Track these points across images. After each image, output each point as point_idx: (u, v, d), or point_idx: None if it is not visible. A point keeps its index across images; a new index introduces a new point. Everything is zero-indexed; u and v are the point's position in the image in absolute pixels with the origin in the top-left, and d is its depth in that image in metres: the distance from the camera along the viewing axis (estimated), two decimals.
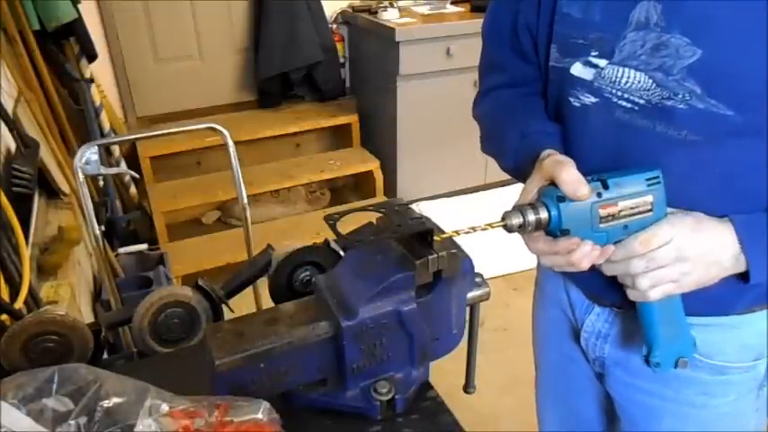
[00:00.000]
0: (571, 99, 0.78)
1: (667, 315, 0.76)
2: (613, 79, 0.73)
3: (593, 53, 0.74)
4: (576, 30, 0.75)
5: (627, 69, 0.71)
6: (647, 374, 0.88)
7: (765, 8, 0.62)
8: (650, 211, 0.70)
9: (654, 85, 0.69)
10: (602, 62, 0.73)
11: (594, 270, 0.74)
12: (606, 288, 0.84)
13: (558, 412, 1.15)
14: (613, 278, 0.78)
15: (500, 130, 0.88)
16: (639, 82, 0.70)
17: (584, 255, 0.69)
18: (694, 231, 0.70)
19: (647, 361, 0.79)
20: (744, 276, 0.72)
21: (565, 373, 1.06)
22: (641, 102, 0.71)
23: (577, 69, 0.76)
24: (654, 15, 0.67)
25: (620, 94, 0.73)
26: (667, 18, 0.67)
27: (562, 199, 0.67)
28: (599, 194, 0.68)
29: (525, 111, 0.86)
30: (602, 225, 0.69)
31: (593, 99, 0.75)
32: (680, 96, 0.68)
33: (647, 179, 0.70)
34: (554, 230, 0.69)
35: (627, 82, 0.71)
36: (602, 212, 0.68)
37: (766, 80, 0.63)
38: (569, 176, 0.67)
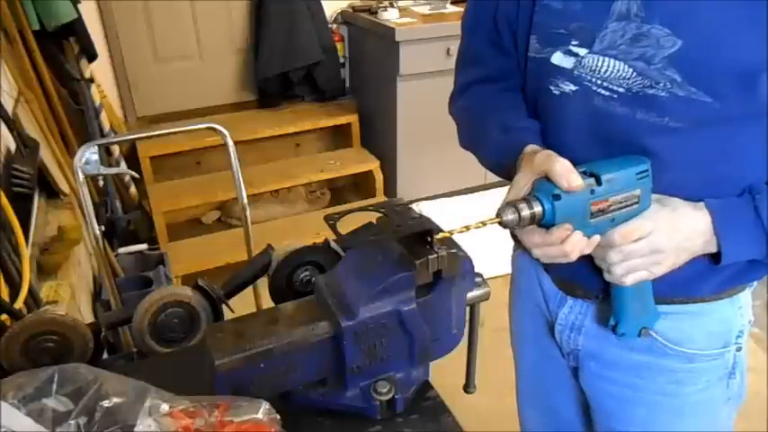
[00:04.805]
0: (551, 88, 0.79)
1: (637, 295, 0.80)
2: (593, 68, 0.74)
3: (574, 42, 0.75)
4: (557, 20, 0.76)
5: (607, 59, 0.73)
6: (620, 365, 0.91)
7: None
8: (637, 203, 0.72)
9: (634, 74, 0.71)
10: (583, 51, 0.74)
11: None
12: (578, 277, 0.87)
13: (537, 412, 1.16)
14: (585, 267, 0.81)
15: (482, 124, 0.89)
16: (619, 71, 0.72)
17: (575, 244, 0.71)
18: (671, 225, 0.73)
19: (613, 330, 0.84)
20: (715, 258, 0.76)
21: (543, 370, 1.07)
22: (621, 90, 0.73)
23: (557, 58, 0.77)
24: (634, 6, 0.69)
25: (599, 82, 0.74)
26: (647, 9, 0.69)
27: (558, 197, 0.68)
28: (592, 191, 0.70)
29: (507, 106, 0.87)
30: (591, 220, 0.71)
31: (572, 87, 0.77)
32: (661, 85, 0.70)
33: (637, 173, 0.71)
34: (546, 225, 0.71)
35: (607, 71, 0.73)
36: (594, 208, 0.70)
37: (743, 69, 0.66)
38: (562, 168, 0.68)
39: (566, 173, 0.68)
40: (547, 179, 0.69)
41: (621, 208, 0.72)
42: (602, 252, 0.76)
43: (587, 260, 0.79)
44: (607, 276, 0.79)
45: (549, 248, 0.73)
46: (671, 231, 0.73)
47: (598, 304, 0.89)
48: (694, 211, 0.74)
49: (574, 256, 0.72)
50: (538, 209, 0.69)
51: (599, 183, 0.70)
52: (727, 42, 0.65)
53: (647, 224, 0.73)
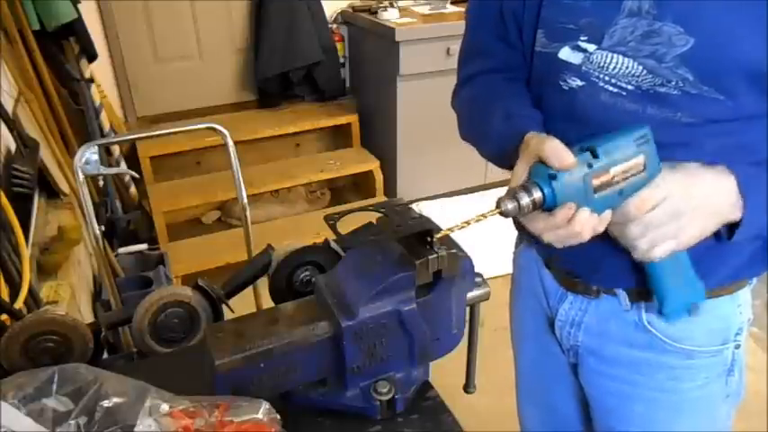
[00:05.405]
0: (560, 83, 0.78)
1: (674, 269, 0.75)
2: (601, 64, 0.74)
3: (582, 38, 0.75)
4: (566, 15, 0.76)
5: (615, 55, 0.72)
6: (620, 362, 0.91)
7: None
8: (643, 171, 0.69)
9: (644, 71, 0.71)
10: (591, 47, 0.74)
11: (570, 250, 0.73)
12: (579, 273, 0.87)
13: (537, 409, 1.16)
14: (586, 263, 0.80)
15: (484, 113, 0.88)
16: (628, 68, 0.72)
17: (584, 223, 0.68)
18: (687, 186, 0.70)
19: (660, 312, 0.80)
20: (730, 230, 0.72)
21: (543, 367, 1.07)
22: (630, 87, 0.72)
23: (565, 53, 0.77)
24: (646, 4, 0.69)
25: (606, 78, 0.74)
26: (659, 7, 0.68)
27: (554, 176, 0.66)
28: (590, 165, 0.67)
29: (510, 94, 0.86)
30: (596, 195, 0.68)
31: (579, 83, 0.76)
32: (673, 83, 0.69)
33: (636, 139, 0.68)
34: (549, 208, 0.68)
35: (615, 67, 0.73)
36: (596, 182, 0.67)
37: (754, 68, 0.66)
38: (551, 148, 0.66)
39: (556, 152, 0.66)
40: (541, 162, 0.67)
41: (627, 178, 0.68)
42: (621, 229, 0.72)
43: (587, 256, 0.79)
44: (634, 255, 0.74)
45: (558, 231, 0.69)
46: (685, 193, 0.69)
47: (597, 303, 0.89)
48: (716, 174, 0.70)
49: (586, 235, 0.69)
50: (537, 194, 0.66)
51: (595, 155, 0.67)
52: (737, 41, 0.65)
53: (660, 190, 0.69)
